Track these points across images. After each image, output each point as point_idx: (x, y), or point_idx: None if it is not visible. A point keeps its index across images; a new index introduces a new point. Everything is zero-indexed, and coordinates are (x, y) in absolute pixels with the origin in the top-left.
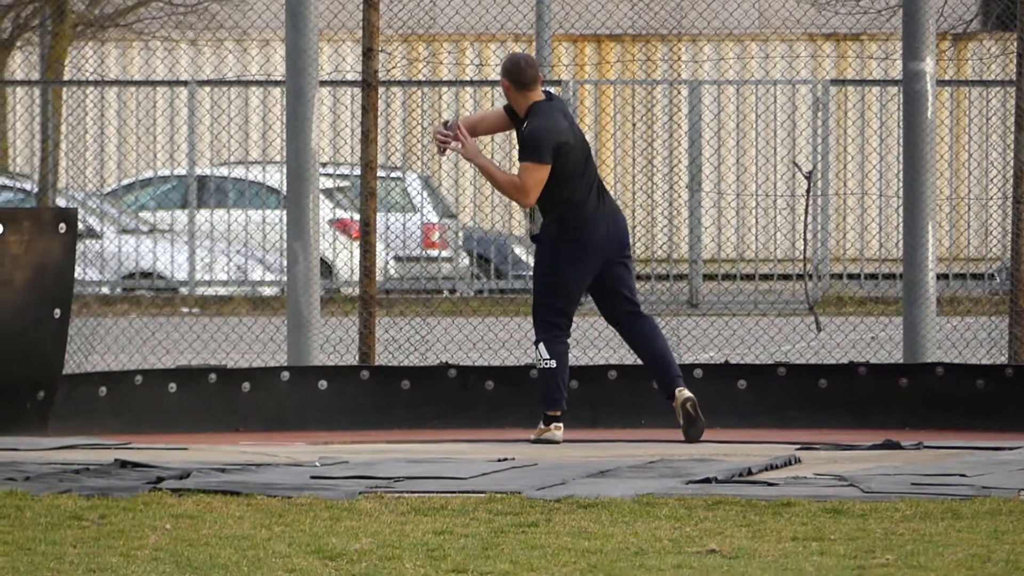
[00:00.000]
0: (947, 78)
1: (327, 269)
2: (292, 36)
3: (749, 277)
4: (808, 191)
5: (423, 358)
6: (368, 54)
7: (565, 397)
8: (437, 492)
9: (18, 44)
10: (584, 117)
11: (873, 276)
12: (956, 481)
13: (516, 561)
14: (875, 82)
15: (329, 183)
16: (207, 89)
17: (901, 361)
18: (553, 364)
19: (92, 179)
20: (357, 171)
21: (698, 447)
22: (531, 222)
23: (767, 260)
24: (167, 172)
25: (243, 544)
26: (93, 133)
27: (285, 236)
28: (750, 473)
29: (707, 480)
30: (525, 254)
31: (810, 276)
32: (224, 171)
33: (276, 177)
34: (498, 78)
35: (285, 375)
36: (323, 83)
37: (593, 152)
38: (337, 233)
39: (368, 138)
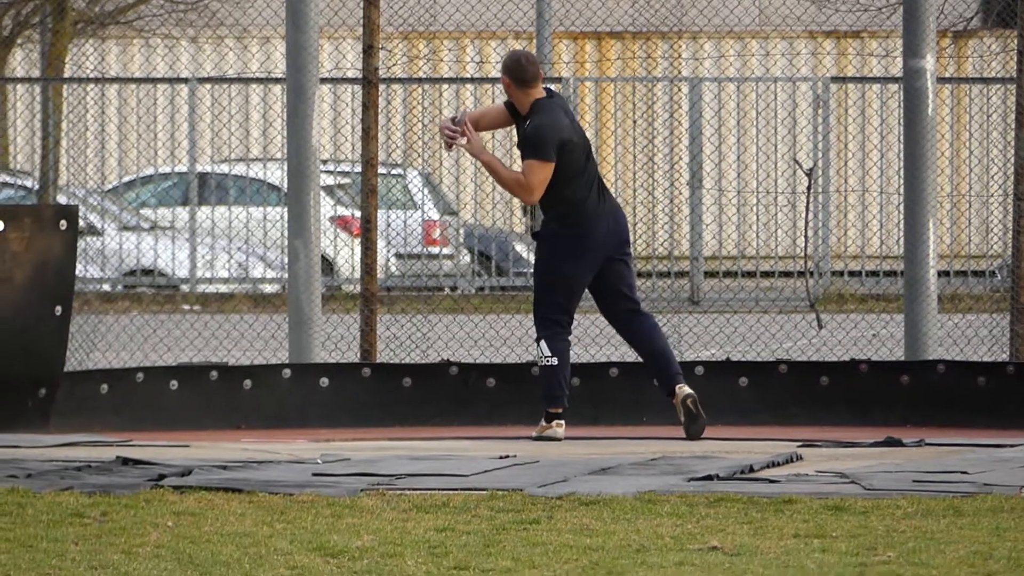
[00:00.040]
0: (948, 75)
1: (328, 266)
2: (292, 33)
3: (750, 274)
4: (809, 188)
5: (424, 355)
6: (369, 51)
7: (567, 394)
8: (439, 489)
9: (19, 41)
10: (585, 114)
11: (874, 273)
12: (958, 478)
13: (518, 558)
14: (876, 79)
15: (330, 180)
16: (208, 86)
17: (902, 358)
18: (555, 361)
19: (93, 176)
20: (358, 168)
21: (699, 444)
22: (532, 219)
23: (768, 257)
24: (168, 169)
25: (245, 541)
26: (94, 130)
27: (286, 233)
28: (752, 470)
29: (709, 477)
30: (526, 251)
31: (811, 273)
32: (225, 168)
33: (277, 174)
34: (498, 75)
35: (286, 372)
36: (324, 80)
37: (594, 149)
38: (338, 230)
39: (369, 135)
